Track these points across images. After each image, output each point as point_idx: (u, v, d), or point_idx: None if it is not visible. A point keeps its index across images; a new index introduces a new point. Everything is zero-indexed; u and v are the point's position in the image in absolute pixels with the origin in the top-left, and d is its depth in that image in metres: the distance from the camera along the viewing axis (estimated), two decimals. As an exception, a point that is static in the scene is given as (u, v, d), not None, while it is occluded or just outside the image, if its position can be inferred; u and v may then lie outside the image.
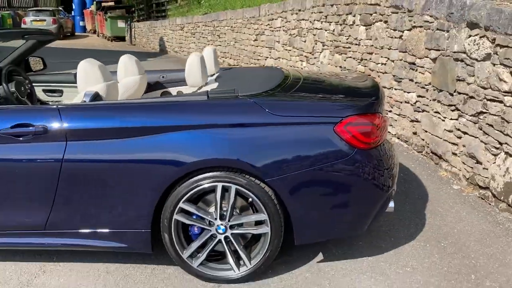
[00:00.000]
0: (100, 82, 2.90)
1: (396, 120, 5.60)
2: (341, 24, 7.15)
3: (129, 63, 3.63)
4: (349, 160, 2.57)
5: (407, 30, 5.29)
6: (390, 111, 5.72)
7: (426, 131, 4.92)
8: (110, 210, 2.62)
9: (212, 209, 2.67)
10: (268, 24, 10.19)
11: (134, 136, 2.56)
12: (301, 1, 8.73)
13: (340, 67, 7.18)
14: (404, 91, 5.35)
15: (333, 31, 7.40)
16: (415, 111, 5.17)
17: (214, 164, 2.55)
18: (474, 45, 4.02)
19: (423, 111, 4.99)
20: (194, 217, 2.67)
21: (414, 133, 5.20)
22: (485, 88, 3.87)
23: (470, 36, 4.08)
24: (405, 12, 5.35)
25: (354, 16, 6.73)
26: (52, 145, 2.55)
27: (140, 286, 2.69)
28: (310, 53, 8.30)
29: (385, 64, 5.88)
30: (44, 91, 4.12)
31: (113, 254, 2.98)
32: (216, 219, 2.64)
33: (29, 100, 3.77)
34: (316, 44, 8.12)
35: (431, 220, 3.51)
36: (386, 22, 5.82)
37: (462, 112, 4.25)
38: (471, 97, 4.07)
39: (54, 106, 2.64)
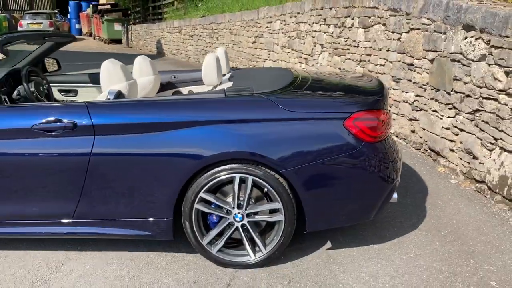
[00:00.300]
0: (122, 81, 3.08)
1: (394, 119, 5.81)
2: (339, 27, 7.36)
3: (144, 63, 3.81)
4: (357, 152, 2.77)
5: (405, 32, 5.51)
6: (389, 110, 5.93)
7: (424, 129, 5.13)
8: (135, 200, 2.80)
9: (229, 199, 2.85)
10: (267, 27, 10.39)
11: (157, 131, 2.74)
12: (299, 4, 8.94)
13: (339, 68, 7.39)
14: (403, 91, 5.57)
15: (332, 33, 7.62)
16: (413, 110, 5.38)
17: (232, 157, 2.74)
18: (470, 46, 4.23)
19: (421, 110, 5.20)
20: (213, 206, 2.85)
21: (412, 131, 5.41)
22: (481, 87, 4.09)
23: (466, 37, 4.30)
24: (403, 15, 5.57)
25: (352, 19, 6.94)
26: (81, 139, 2.73)
27: (162, 272, 2.87)
28: (309, 55, 8.51)
29: (383, 65, 6.09)
30: (60, 91, 4.29)
31: (134, 243, 3.16)
32: (233, 208, 2.82)
33: (46, 100, 3.94)
34: (315, 46, 8.33)
35: (431, 212, 3.71)
36: (384, 24, 6.03)
37: (459, 110, 4.46)
38: (468, 96, 4.29)
39: (83, 103, 2.82)
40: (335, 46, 7.49)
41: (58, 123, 2.73)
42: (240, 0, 12.92)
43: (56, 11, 25.96)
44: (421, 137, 5.20)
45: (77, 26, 28.35)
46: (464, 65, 4.36)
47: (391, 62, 5.87)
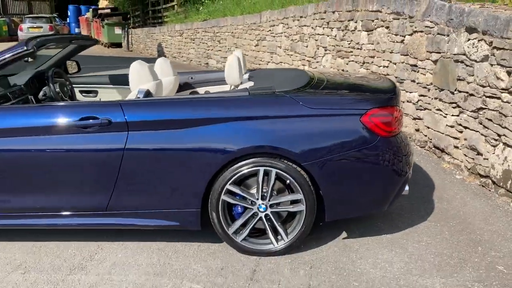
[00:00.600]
0: (150, 81, 3.27)
1: (399, 118, 6.01)
2: (343, 30, 7.58)
3: (165, 65, 4.01)
4: (373, 146, 2.97)
5: (409, 35, 5.73)
6: (402, 108, 6.14)
7: (428, 128, 5.34)
8: (165, 193, 2.99)
9: (253, 191, 3.04)
10: (270, 30, 10.60)
11: (186, 127, 2.94)
12: (302, 8, 9.15)
13: (343, 70, 7.60)
14: (407, 91, 5.78)
15: (335, 36, 7.83)
16: (417, 109, 5.59)
17: (257, 151, 2.93)
18: (473, 47, 4.45)
19: (425, 109, 5.41)
20: (237, 197, 3.04)
21: (417, 130, 5.62)
22: (484, 86, 4.30)
23: (469, 39, 4.52)
24: (406, 18, 5.78)
25: (356, 22, 7.16)
26: (115, 135, 2.92)
27: (191, 259, 3.06)
28: (312, 57, 8.72)
29: (387, 66, 6.31)
30: (80, 91, 4.47)
31: (160, 233, 3.34)
32: (257, 199, 3.02)
33: (69, 100, 4.13)
34: (318, 49, 8.54)
35: (439, 205, 3.92)
36: (387, 27, 6.25)
37: (462, 109, 4.67)
38: (471, 95, 4.50)
39: (117, 101, 3.01)
40: (339, 48, 7.70)
41: (94, 120, 2.92)
42: (242, 4, 13.15)
43: (56, 15, 26.11)
44: (426, 135, 5.41)
45: (76, 30, 28.53)
46: (467, 65, 4.57)
47: (395, 64, 6.09)
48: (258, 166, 2.95)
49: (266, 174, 2.97)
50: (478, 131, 4.42)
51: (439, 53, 5.08)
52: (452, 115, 4.89)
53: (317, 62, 8.56)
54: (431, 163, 4.98)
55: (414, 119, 5.65)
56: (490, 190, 4.20)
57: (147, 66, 3.32)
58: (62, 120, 2.94)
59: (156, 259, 3.06)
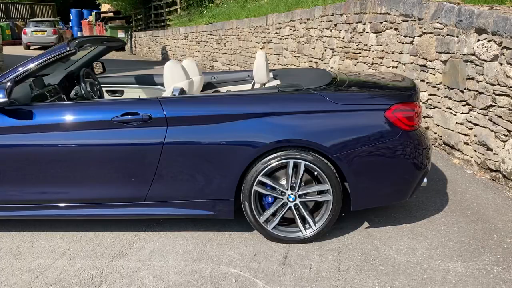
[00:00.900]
0: (183, 79, 3.47)
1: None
2: (351, 32, 7.79)
3: (191, 65, 4.20)
4: (396, 139, 3.17)
5: (418, 36, 5.93)
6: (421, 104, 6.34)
7: (438, 125, 5.54)
8: (201, 184, 3.18)
9: (283, 182, 3.24)
10: (276, 33, 10.81)
11: (221, 122, 3.13)
12: (309, 10, 9.36)
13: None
14: (416, 91, 5.97)
15: (343, 38, 8.04)
16: (427, 108, 5.79)
17: (287, 144, 3.13)
18: (482, 48, 4.65)
19: (435, 107, 5.62)
20: (268, 188, 3.23)
21: (426, 128, 5.82)
22: (493, 85, 4.51)
23: (478, 40, 4.72)
24: (415, 20, 5.99)
25: (364, 24, 7.37)
26: (155, 130, 3.12)
27: (225, 247, 3.25)
28: (320, 59, 8.92)
29: (396, 67, 6.51)
30: (107, 91, 4.66)
31: (193, 223, 3.53)
32: (287, 189, 3.21)
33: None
34: (325, 50, 8.75)
35: (452, 197, 4.11)
36: (396, 29, 6.46)
37: (472, 106, 4.88)
38: (481, 93, 4.71)
39: (156, 98, 3.20)
40: (346, 50, 7.91)
41: (135, 116, 3.11)
42: (246, 8, 13.37)
43: (59, 19, 26.31)
44: (435, 133, 5.61)
45: (78, 34, 28.72)
46: (477, 65, 4.77)
47: (404, 64, 6.29)
48: (288, 158, 3.14)
49: (295, 166, 3.16)
50: (488, 128, 4.62)
51: (449, 53, 5.28)
52: (462, 113, 5.09)
53: (325, 63, 8.76)
54: (442, 159, 5.18)
55: (424, 117, 5.85)
56: (500, 184, 4.40)
57: (180, 66, 3.52)
58: (105, 116, 3.13)
59: (192, 247, 3.25)
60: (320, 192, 3.25)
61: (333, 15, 8.38)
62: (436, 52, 5.52)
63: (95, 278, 2.87)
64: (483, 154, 4.70)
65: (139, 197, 3.23)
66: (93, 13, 26.09)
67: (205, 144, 3.13)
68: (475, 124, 4.83)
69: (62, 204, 3.26)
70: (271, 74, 4.22)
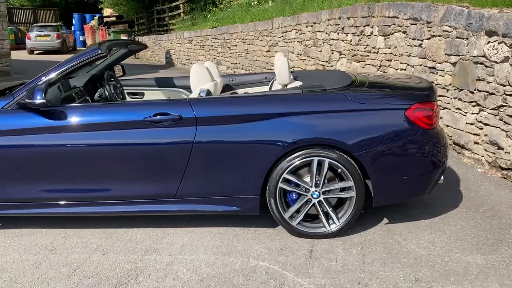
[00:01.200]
0: (208, 81, 3.60)
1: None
2: (358, 35, 7.93)
3: (212, 68, 4.34)
4: (417, 138, 3.30)
5: (426, 39, 6.07)
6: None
7: (448, 126, 5.68)
8: (228, 181, 3.31)
9: (306, 179, 3.36)
10: (282, 36, 10.95)
11: (248, 122, 3.26)
12: (316, 14, 9.51)
13: (359, 73, 7.93)
14: (426, 92, 6.11)
15: (350, 41, 8.18)
16: (436, 109, 5.92)
17: (312, 142, 3.26)
18: (493, 50, 4.79)
19: (444, 108, 5.75)
20: (292, 185, 3.36)
21: (436, 128, 5.95)
22: (504, 85, 4.64)
23: (489, 42, 4.86)
24: (423, 24, 6.13)
25: (372, 27, 7.51)
26: (186, 129, 3.24)
27: (251, 242, 3.37)
28: (327, 61, 9.06)
29: (404, 69, 6.65)
30: (128, 93, 4.79)
31: (217, 219, 3.65)
32: (311, 186, 3.33)
33: (121, 101, 4.44)
34: (332, 53, 8.89)
35: (466, 194, 4.24)
36: (405, 32, 6.60)
37: (483, 107, 5.01)
38: (491, 94, 4.84)
39: (186, 99, 3.33)
40: (354, 53, 8.04)
41: (167, 116, 3.24)
42: (251, 12, 13.51)
43: (62, 24, 26.47)
44: (445, 133, 5.74)
45: (81, 38, 28.89)
46: (487, 66, 4.91)
47: (413, 66, 6.43)
48: (313, 156, 3.27)
49: (319, 164, 3.29)
50: (498, 127, 4.75)
51: (458, 55, 5.42)
52: (472, 113, 5.22)
53: (332, 66, 8.90)
54: (452, 158, 5.30)
55: (434, 118, 5.98)
56: (512, 181, 4.53)
57: (205, 68, 3.65)
58: (138, 116, 3.25)
59: (219, 242, 3.37)
60: (343, 189, 3.37)
61: (340, 19, 8.52)
62: (445, 54, 5.66)
63: (131, 272, 2.99)
64: (494, 153, 4.83)
65: (170, 194, 3.35)
66: (96, 18, 26.25)
67: (233, 143, 3.26)
68: (486, 124, 4.96)
69: (94, 202, 3.38)
70: (291, 76, 4.35)
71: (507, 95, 4.61)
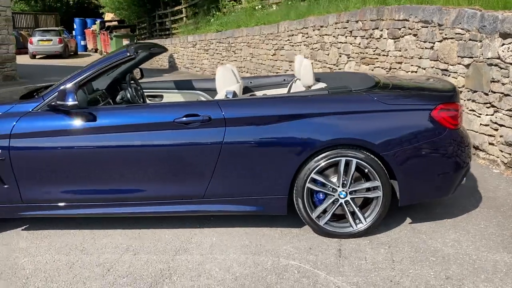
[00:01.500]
0: (234, 83, 3.65)
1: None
2: (367, 38, 7.99)
3: (235, 70, 4.38)
4: (442, 138, 3.35)
5: (438, 41, 6.13)
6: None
7: (461, 127, 5.72)
8: (257, 181, 3.35)
9: (333, 179, 3.40)
10: (288, 40, 11.01)
11: (276, 122, 3.30)
12: (323, 18, 9.57)
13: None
14: (438, 94, 6.16)
15: (359, 44, 8.24)
16: (449, 110, 5.97)
17: (339, 143, 3.30)
18: (508, 51, 4.85)
19: (458, 110, 5.80)
20: (319, 185, 3.40)
21: (449, 130, 6.00)
22: (520, 87, 4.70)
23: (503, 44, 4.92)
24: (435, 26, 6.19)
25: (381, 30, 7.57)
26: (215, 130, 3.28)
27: (279, 241, 3.41)
28: (334, 64, 9.12)
29: (416, 71, 6.71)
30: (147, 96, 4.83)
31: (242, 220, 3.69)
32: (338, 186, 3.37)
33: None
34: (340, 56, 8.95)
35: (485, 194, 4.29)
36: (415, 35, 6.66)
37: (498, 108, 5.06)
38: (507, 95, 4.89)
39: (214, 101, 3.37)
40: (363, 55, 8.10)
41: (196, 117, 3.28)
42: (255, 16, 13.58)
43: (63, 28, 26.52)
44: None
45: (82, 43, 28.93)
46: (502, 68, 4.96)
47: (424, 69, 6.48)
48: (340, 156, 3.31)
49: (346, 164, 3.33)
50: (515, 128, 4.81)
51: (471, 57, 5.47)
52: (487, 115, 5.27)
53: (340, 69, 8.96)
54: (467, 159, 5.34)
55: (446, 119, 6.03)
56: (529, 182, 4.58)
57: (231, 70, 3.69)
58: (167, 117, 3.29)
59: (248, 241, 3.40)
60: (368, 189, 3.41)
61: (348, 22, 8.59)
62: (458, 56, 5.72)
63: (164, 271, 3.02)
64: (509, 154, 4.88)
65: (198, 194, 3.39)
66: (97, 22, 26.30)
67: (262, 143, 3.30)
68: (501, 125, 5.02)
69: (124, 202, 3.41)
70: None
71: (523, 96, 4.66)
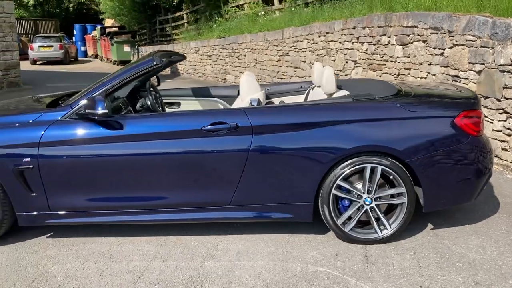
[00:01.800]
0: (258, 91, 3.68)
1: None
2: (374, 44, 8.05)
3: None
4: (466, 144, 3.39)
5: (448, 48, 6.19)
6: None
7: (473, 133, 5.77)
8: (283, 188, 3.38)
9: (359, 186, 3.44)
10: (293, 46, 11.07)
11: (302, 130, 3.34)
12: (329, 24, 9.64)
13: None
14: (449, 100, 6.21)
15: (366, 50, 8.30)
16: (460, 116, 6.02)
17: (365, 150, 3.34)
18: (521, 58, 4.91)
19: (469, 116, 5.85)
20: (344, 191, 3.43)
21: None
22: (534, 93, 4.76)
23: (516, 51, 4.98)
24: (445, 33, 6.25)
25: (389, 37, 7.63)
26: (242, 138, 3.32)
27: (305, 248, 3.44)
28: (341, 70, 9.17)
29: (425, 77, 6.76)
30: (165, 103, 4.85)
31: (266, 226, 3.71)
32: (363, 193, 3.41)
33: (162, 111, 4.51)
34: (346, 62, 9.01)
35: (502, 200, 4.33)
36: (425, 41, 6.72)
37: (510, 114, 5.12)
38: (520, 101, 4.95)
39: (241, 109, 3.41)
40: (370, 62, 8.16)
41: (224, 125, 3.31)
42: (258, 22, 13.64)
43: (64, 34, 26.56)
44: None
45: (82, 49, 28.97)
46: (515, 74, 5.02)
47: (434, 75, 6.54)
48: (366, 163, 3.35)
49: (372, 170, 3.37)
50: (529, 134, 4.86)
51: (483, 64, 5.53)
52: (499, 120, 5.33)
53: (346, 75, 9.01)
54: (480, 165, 5.39)
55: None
56: (544, 187, 4.63)
57: (254, 78, 3.73)
58: (195, 125, 3.32)
59: (274, 248, 3.43)
60: (392, 195, 3.44)
61: (354, 28, 8.65)
62: (469, 62, 5.78)
63: (194, 278, 3.05)
64: (524, 159, 4.93)
65: (224, 201, 3.41)
66: (98, 28, 26.35)
67: (288, 151, 3.33)
68: (515, 131, 5.07)
69: (151, 210, 3.44)
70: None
71: (537, 102, 4.72)
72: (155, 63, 3.54)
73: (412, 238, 3.56)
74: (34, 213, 3.44)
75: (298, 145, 3.34)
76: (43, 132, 3.34)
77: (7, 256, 3.39)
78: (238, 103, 4.40)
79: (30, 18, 32.15)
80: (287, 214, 3.45)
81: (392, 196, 3.45)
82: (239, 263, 3.22)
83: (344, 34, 9.03)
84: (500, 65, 5.24)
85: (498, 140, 5.34)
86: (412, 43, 7.04)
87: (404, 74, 7.28)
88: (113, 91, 3.56)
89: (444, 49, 6.29)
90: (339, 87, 4.08)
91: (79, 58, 27.12)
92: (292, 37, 11.06)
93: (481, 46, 5.55)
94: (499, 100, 5.29)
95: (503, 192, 4.52)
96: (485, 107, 5.52)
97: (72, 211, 3.45)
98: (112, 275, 3.10)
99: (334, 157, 3.32)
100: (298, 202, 3.42)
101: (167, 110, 4.88)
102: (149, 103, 4.20)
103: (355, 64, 8.72)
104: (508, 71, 5.12)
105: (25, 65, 21.63)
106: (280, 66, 11.70)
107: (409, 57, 7.11)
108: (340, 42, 9.20)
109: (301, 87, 4.79)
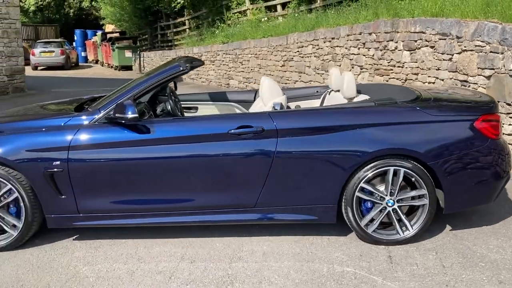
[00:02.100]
0: (280, 95, 3.76)
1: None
2: (381, 50, 8.15)
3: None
4: (485, 147, 3.48)
5: (457, 53, 6.30)
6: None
7: (483, 137, 5.86)
8: (308, 190, 3.46)
9: (381, 188, 3.51)
10: (298, 51, 11.18)
11: (326, 133, 3.42)
12: (334, 30, 9.74)
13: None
14: (458, 104, 6.31)
15: (373, 55, 8.40)
16: (470, 120, 6.12)
17: (388, 153, 3.42)
18: (532, 63, 5.01)
19: (479, 120, 5.95)
20: (367, 194, 3.51)
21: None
22: (544, 97, 4.85)
23: (527, 56, 5.08)
24: (453, 39, 6.36)
25: (396, 42, 7.74)
26: (267, 141, 3.39)
27: (329, 249, 3.51)
28: (347, 76, 9.25)
29: (433, 82, 6.86)
30: (183, 107, 4.92)
31: (288, 228, 3.78)
32: (386, 195, 3.49)
33: (181, 115, 4.58)
34: (353, 67, 9.11)
35: (516, 201, 4.42)
36: (433, 47, 6.83)
37: (521, 118, 5.22)
38: (531, 105, 5.05)
39: (266, 112, 3.49)
40: (377, 67, 8.26)
41: (250, 128, 3.39)
42: (261, 28, 13.76)
43: (65, 40, 26.63)
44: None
45: (83, 54, 29.04)
46: (525, 79, 5.12)
47: (442, 80, 6.64)
48: (389, 166, 3.43)
49: (394, 173, 3.45)
50: (540, 137, 4.95)
51: (493, 69, 5.64)
52: (509, 124, 5.42)
53: (353, 80, 9.09)
54: (491, 168, 5.48)
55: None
56: (556, 189, 4.71)
57: (275, 82, 3.81)
58: (222, 129, 3.40)
59: (298, 249, 3.50)
60: (413, 197, 3.52)
61: (360, 34, 8.75)
62: (478, 68, 5.88)
63: (224, 278, 3.11)
64: (535, 162, 5.01)
65: (250, 203, 3.49)
66: (99, 34, 26.43)
67: (313, 154, 3.41)
68: (525, 135, 5.16)
69: (178, 212, 3.50)
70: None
71: (548, 106, 4.81)
72: (181, 68, 3.62)
73: (432, 239, 3.64)
74: (63, 215, 3.50)
75: (322, 148, 3.42)
76: (73, 136, 3.41)
77: (37, 258, 3.45)
78: (255, 107, 4.48)
79: (30, 23, 32.22)
80: (311, 216, 3.53)
81: (413, 198, 3.53)
82: (266, 264, 3.29)
83: (350, 40, 9.14)
84: (510, 70, 5.34)
85: (509, 144, 5.42)
86: (419, 48, 7.14)
87: (411, 79, 7.38)
88: (141, 96, 3.63)
89: (452, 55, 6.39)
90: (358, 92, 4.17)
91: (79, 64, 27.19)
92: (297, 43, 11.16)
93: (491, 52, 5.66)
94: (509, 105, 5.39)
95: (517, 195, 4.60)
96: (495, 111, 5.61)
97: (100, 213, 3.51)
98: (143, 276, 3.16)
99: (358, 160, 3.40)
100: (321, 204, 3.49)
101: (185, 114, 4.95)
102: (169, 107, 4.27)
103: (361, 69, 8.82)
104: (518, 76, 5.22)
105: (26, 71, 21.69)
106: (285, 71, 11.80)
107: (416, 62, 7.21)
108: (346, 48, 9.30)
109: (317, 91, 4.88)
